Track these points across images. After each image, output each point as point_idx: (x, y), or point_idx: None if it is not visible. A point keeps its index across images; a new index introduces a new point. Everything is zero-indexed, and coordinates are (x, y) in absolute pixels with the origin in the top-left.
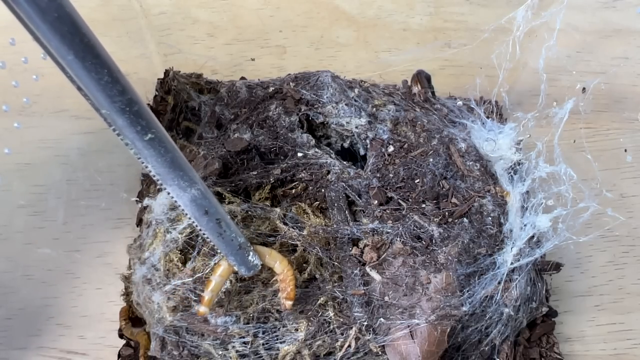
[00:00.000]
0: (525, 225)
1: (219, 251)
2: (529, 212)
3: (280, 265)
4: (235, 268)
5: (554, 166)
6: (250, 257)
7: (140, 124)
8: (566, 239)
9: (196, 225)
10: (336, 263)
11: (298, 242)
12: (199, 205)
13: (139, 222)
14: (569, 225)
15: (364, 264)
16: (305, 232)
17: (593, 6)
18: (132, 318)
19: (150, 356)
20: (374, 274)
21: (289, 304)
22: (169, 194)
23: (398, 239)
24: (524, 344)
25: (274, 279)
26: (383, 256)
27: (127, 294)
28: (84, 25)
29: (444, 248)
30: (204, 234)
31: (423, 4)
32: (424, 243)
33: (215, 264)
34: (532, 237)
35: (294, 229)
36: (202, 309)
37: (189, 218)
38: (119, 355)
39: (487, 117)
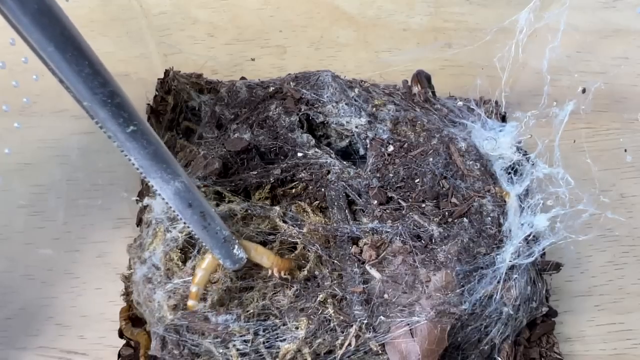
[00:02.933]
0: (522, 225)
1: (204, 244)
2: (527, 212)
3: (267, 260)
4: (221, 261)
5: (552, 169)
6: (235, 251)
7: (122, 116)
8: (565, 238)
9: (180, 218)
10: (336, 261)
11: (298, 240)
12: (183, 198)
13: (139, 222)
14: (567, 225)
15: (363, 262)
16: (305, 230)
17: (593, 6)
18: (132, 318)
19: (150, 355)
20: (373, 272)
21: (297, 273)
22: (152, 186)
23: (398, 238)
24: (524, 343)
25: (269, 275)
26: (382, 254)
27: (127, 294)
28: (64, 17)
29: (443, 247)
30: (188, 227)
31: (423, 4)
32: (423, 242)
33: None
34: (531, 235)
35: (294, 227)
36: (190, 302)
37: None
38: (119, 355)
39: (488, 117)
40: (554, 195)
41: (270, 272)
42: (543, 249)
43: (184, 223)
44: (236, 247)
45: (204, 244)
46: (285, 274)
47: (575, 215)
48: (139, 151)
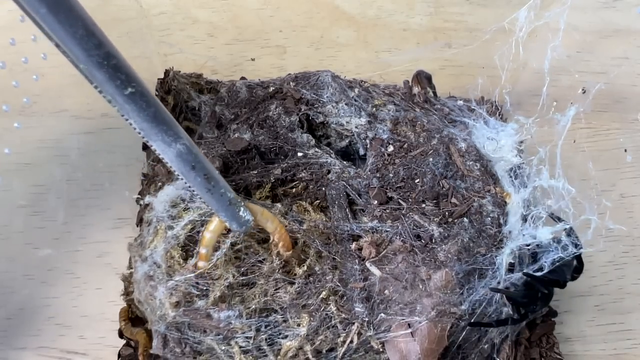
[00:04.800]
0: (524, 236)
1: (209, 207)
2: (528, 223)
3: (272, 224)
4: (227, 224)
5: (554, 180)
6: (241, 213)
7: (119, 78)
8: (572, 253)
9: (185, 182)
10: (336, 257)
11: (298, 235)
12: (185, 160)
13: (139, 222)
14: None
15: (363, 259)
16: (305, 226)
17: (593, 6)
18: (132, 318)
19: (151, 354)
20: (373, 269)
21: (288, 254)
22: (154, 150)
23: (398, 237)
24: (524, 343)
25: (270, 241)
26: (383, 253)
27: (127, 294)
28: None
29: (443, 246)
30: (193, 191)
31: (423, 4)
32: (423, 241)
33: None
34: (531, 246)
35: (295, 223)
36: (200, 263)
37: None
38: (119, 355)
39: (490, 116)
40: (557, 207)
41: (271, 238)
42: (552, 263)
43: (189, 186)
44: (242, 209)
45: (209, 206)
46: (284, 249)
47: (580, 228)
48: (138, 114)
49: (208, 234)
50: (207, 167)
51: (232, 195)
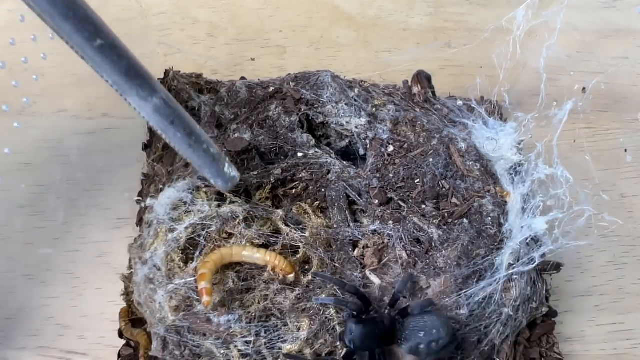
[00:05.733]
0: (522, 228)
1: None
2: (527, 215)
3: (260, 256)
4: (212, 182)
5: (553, 169)
6: (226, 169)
7: (87, 30)
8: (564, 246)
9: (165, 138)
10: (337, 264)
11: (300, 244)
12: (163, 115)
13: (140, 222)
14: (565, 230)
15: (364, 267)
16: (307, 234)
17: (593, 6)
18: (132, 319)
19: (151, 356)
20: (373, 278)
21: (291, 276)
22: (130, 104)
23: (398, 242)
24: (524, 344)
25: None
26: (384, 261)
27: (127, 294)
28: None
29: (443, 252)
30: (174, 147)
31: (423, 4)
32: (423, 247)
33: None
34: (529, 239)
35: (296, 231)
36: (205, 299)
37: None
38: (119, 355)
39: (489, 116)
40: (554, 197)
41: (268, 268)
42: (542, 256)
43: (170, 143)
44: (227, 165)
45: (192, 164)
46: (286, 272)
47: (575, 219)
48: (110, 67)
49: (204, 270)
50: (187, 121)
51: (216, 150)
